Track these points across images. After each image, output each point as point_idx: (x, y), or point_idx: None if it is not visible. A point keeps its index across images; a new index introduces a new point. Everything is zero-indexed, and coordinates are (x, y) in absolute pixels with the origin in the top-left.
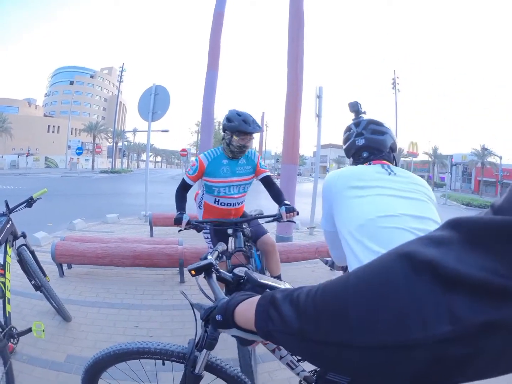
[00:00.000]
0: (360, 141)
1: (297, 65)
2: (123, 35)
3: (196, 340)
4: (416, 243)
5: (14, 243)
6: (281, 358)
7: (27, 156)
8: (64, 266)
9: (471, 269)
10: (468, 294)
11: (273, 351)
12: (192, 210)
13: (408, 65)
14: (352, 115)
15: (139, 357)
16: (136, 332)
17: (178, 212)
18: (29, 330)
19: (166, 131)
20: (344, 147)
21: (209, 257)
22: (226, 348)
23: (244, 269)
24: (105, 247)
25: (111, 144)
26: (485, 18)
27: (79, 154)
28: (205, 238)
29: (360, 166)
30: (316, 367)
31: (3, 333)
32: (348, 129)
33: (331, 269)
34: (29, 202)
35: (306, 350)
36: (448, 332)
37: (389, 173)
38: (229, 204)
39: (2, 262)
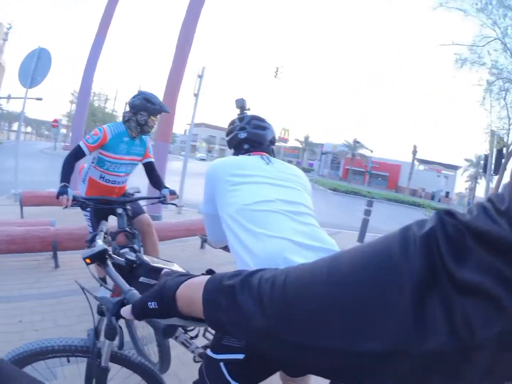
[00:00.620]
0: (242, 134)
1: (185, 46)
2: None
3: (96, 331)
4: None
5: None
6: (176, 338)
7: None
8: None
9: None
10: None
11: None
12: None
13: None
14: (238, 111)
15: (44, 358)
16: (22, 327)
17: (62, 184)
18: None
19: (40, 99)
20: (227, 138)
21: (99, 242)
22: None
23: (133, 253)
24: None
25: None
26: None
27: None
28: (84, 215)
29: (241, 156)
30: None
31: None
32: (232, 122)
33: (201, 248)
34: None
35: (272, 348)
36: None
37: (267, 163)
38: (113, 182)
39: None
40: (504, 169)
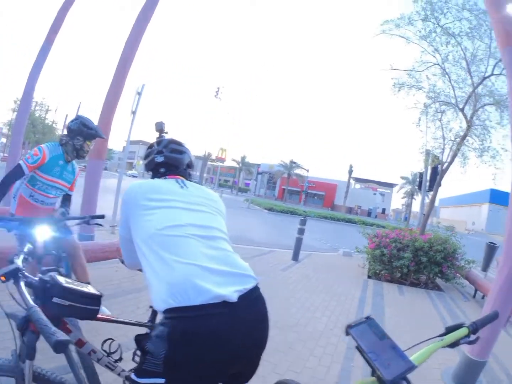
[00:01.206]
0: (159, 158)
1: (126, 62)
2: None
3: (18, 351)
4: None
5: None
6: (98, 360)
7: None
8: None
9: None
10: None
11: (89, 354)
12: None
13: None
14: (157, 134)
15: None
16: None
17: None
18: None
19: None
20: (145, 162)
21: (16, 261)
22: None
23: (52, 273)
24: None
25: None
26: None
27: None
28: (14, 235)
29: (157, 180)
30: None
31: None
32: (151, 146)
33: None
34: None
35: None
36: None
37: (182, 187)
38: (42, 202)
39: None
40: (439, 185)
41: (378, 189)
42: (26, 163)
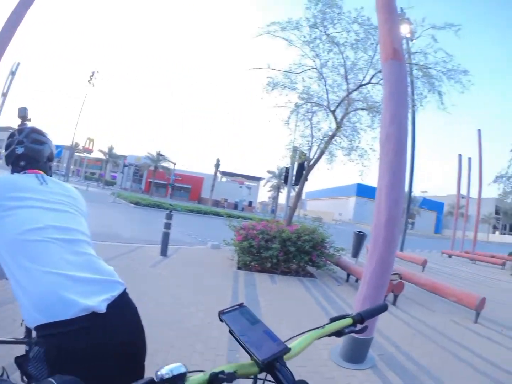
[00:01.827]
0: (20, 149)
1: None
2: None
3: None
4: None
5: None
6: None
7: None
8: None
9: None
10: None
11: None
12: None
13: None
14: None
15: None
16: None
17: None
18: None
19: None
20: (5, 153)
21: None
22: None
23: None
24: None
25: None
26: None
27: None
28: None
29: (16, 175)
30: None
31: None
32: (12, 135)
33: None
34: None
35: None
36: None
37: (41, 183)
38: None
39: None
40: (305, 179)
41: (244, 183)
42: None
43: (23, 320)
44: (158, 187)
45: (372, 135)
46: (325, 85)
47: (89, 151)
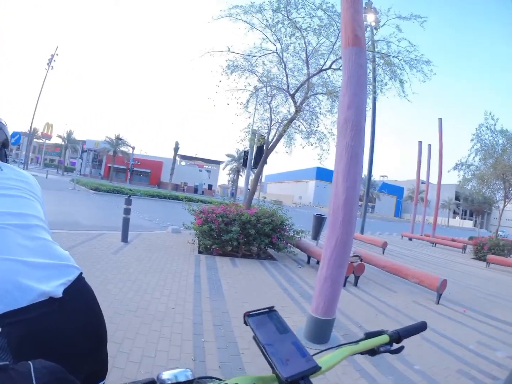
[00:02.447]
0: None
1: None
2: None
3: None
4: None
5: None
6: None
7: None
8: None
9: None
10: None
11: None
12: None
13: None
14: None
15: None
16: None
17: None
18: None
19: None
20: None
21: None
22: None
23: None
24: None
25: None
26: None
27: None
28: None
29: None
30: None
31: None
32: None
33: None
34: None
35: None
36: None
37: None
38: None
39: None
40: (264, 163)
41: (204, 166)
42: None
43: None
44: (117, 172)
45: (331, 119)
46: (285, 69)
47: (48, 136)
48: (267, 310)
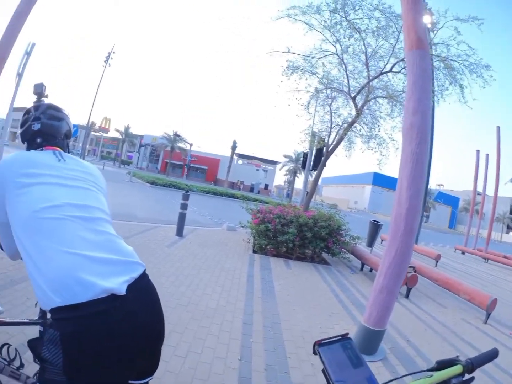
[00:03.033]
0: (36, 126)
1: (20, 19)
2: None
3: None
4: None
5: None
6: (0, 371)
7: None
8: None
9: None
10: None
11: None
12: None
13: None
14: (35, 98)
15: None
16: None
17: None
18: None
19: None
20: (20, 130)
21: None
22: None
23: None
24: None
25: None
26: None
27: None
28: None
29: (32, 152)
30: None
31: None
32: (28, 111)
33: None
34: None
35: None
36: None
37: (59, 160)
38: None
39: None
40: (324, 165)
41: (261, 166)
42: None
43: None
44: (174, 167)
45: (391, 124)
46: (346, 71)
47: (106, 130)
48: (340, 338)
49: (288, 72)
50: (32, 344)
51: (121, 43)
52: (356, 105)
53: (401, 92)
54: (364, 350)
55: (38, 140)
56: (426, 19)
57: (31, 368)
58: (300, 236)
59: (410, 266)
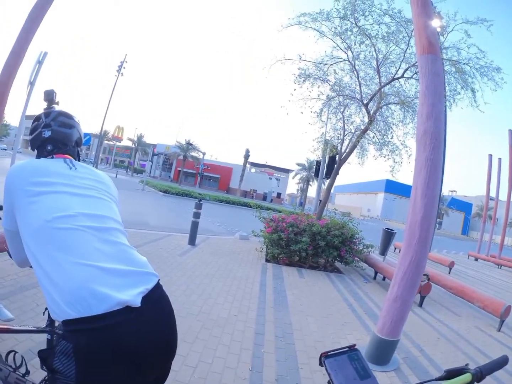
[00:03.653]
0: (47, 133)
1: (31, 28)
2: None
3: None
4: None
5: None
6: (6, 378)
7: None
8: None
9: None
10: None
11: None
12: None
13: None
14: (46, 104)
15: None
16: None
17: None
18: None
19: None
20: (30, 137)
21: None
22: None
23: None
24: None
25: None
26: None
27: None
28: None
29: (42, 159)
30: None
31: None
32: (38, 118)
33: None
34: None
35: None
36: None
37: (70, 168)
38: None
39: None
40: (337, 173)
41: (274, 174)
42: None
43: (46, 309)
44: (187, 176)
45: (403, 130)
46: (358, 78)
47: (119, 139)
48: (347, 349)
49: (300, 80)
50: (43, 355)
51: (127, 49)
52: (368, 112)
53: (413, 98)
54: (377, 360)
55: (49, 147)
56: (436, 23)
57: (37, 375)
58: (313, 245)
59: (424, 274)
